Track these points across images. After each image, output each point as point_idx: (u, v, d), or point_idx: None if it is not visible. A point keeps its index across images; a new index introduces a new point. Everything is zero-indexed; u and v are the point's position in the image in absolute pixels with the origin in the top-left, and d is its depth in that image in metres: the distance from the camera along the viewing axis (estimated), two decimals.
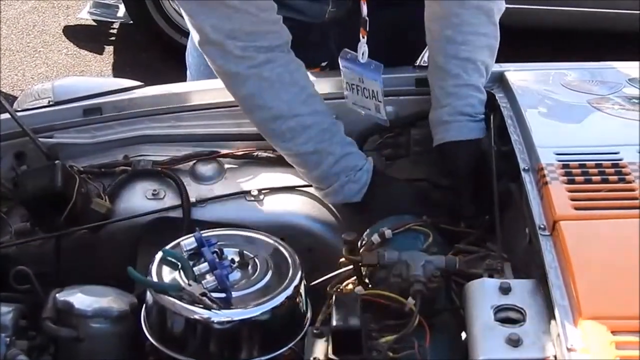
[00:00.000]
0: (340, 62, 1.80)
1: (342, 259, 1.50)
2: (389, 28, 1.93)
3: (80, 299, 1.49)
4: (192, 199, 1.76)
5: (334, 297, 1.37)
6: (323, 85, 1.85)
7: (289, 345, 1.41)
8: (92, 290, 1.52)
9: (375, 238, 1.56)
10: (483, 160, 1.69)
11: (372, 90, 1.75)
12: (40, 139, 1.80)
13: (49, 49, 4.78)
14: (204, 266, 1.42)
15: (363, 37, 1.75)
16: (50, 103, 1.92)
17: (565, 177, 1.45)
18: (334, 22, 1.96)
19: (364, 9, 1.74)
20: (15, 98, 2.18)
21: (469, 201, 1.72)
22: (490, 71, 1.80)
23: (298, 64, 1.73)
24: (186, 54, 2.17)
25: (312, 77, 1.83)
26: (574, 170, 1.46)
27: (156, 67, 4.47)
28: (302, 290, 1.45)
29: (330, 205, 1.80)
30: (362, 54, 1.75)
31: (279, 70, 1.68)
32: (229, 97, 1.84)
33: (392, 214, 1.62)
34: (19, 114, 1.83)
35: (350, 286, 1.51)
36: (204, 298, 1.36)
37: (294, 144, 1.71)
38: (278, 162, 1.84)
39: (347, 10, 1.91)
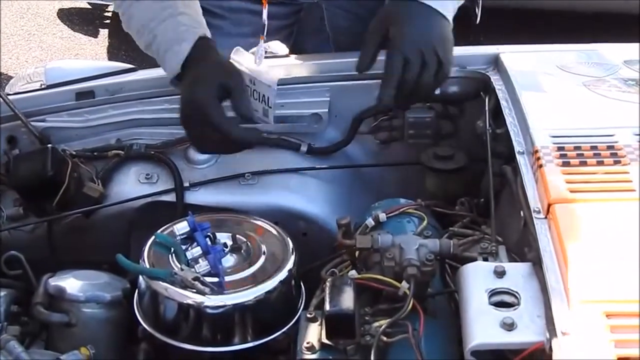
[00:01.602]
0: (232, 58, 1.75)
1: (337, 243, 1.49)
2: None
3: (73, 284, 1.49)
4: (186, 183, 1.75)
5: (327, 282, 1.37)
6: (314, 67, 1.85)
7: (283, 330, 1.41)
8: (85, 275, 1.52)
9: (370, 221, 1.56)
10: (480, 143, 1.69)
11: (263, 94, 1.72)
12: (32, 123, 1.80)
13: (43, 32, 4.77)
14: (196, 251, 1.41)
15: (262, 40, 1.73)
16: (43, 86, 1.91)
17: (560, 160, 1.44)
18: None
19: (264, 14, 1.73)
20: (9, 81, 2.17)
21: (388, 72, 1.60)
22: None
23: None
24: None
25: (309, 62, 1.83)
26: (569, 153, 1.45)
27: None
28: (295, 274, 1.44)
29: (325, 189, 1.79)
30: (259, 56, 1.73)
31: None
32: None
33: (200, 86, 1.58)
34: (10, 97, 1.82)
35: (344, 270, 1.50)
36: (196, 282, 1.35)
37: (141, 42, 1.71)
38: (273, 146, 1.83)
39: None
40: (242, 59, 1.72)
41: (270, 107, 1.71)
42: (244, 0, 2.03)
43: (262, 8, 1.71)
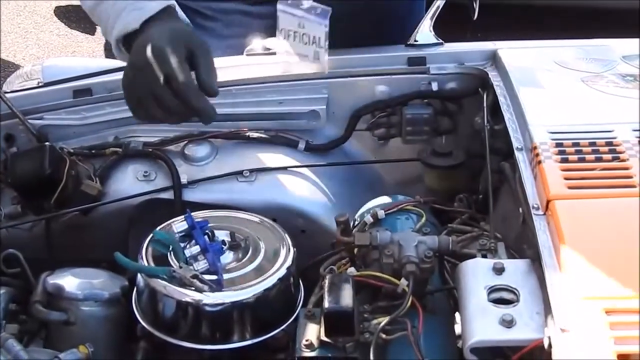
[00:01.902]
0: (279, 8, 1.69)
1: (335, 240, 1.49)
2: (379, 7, 1.91)
3: (71, 282, 1.48)
4: (184, 180, 1.74)
5: (326, 279, 1.36)
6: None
7: (281, 328, 1.41)
8: (83, 273, 1.51)
9: (368, 219, 1.55)
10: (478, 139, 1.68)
11: (314, 36, 1.66)
12: (29, 121, 1.79)
13: (40, 29, 4.76)
14: (195, 248, 1.41)
15: None
16: (40, 84, 1.90)
17: (559, 156, 1.44)
18: None
19: None
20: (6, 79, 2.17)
21: None
22: None
23: None
24: None
25: None
26: (567, 149, 1.45)
27: None
28: (294, 271, 1.44)
29: (323, 186, 1.79)
30: None
31: None
32: (220, 77, 1.82)
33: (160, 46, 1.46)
34: (8, 95, 1.82)
35: (342, 267, 1.50)
36: (195, 280, 1.35)
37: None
38: (270, 143, 1.83)
39: None
40: (288, 7, 1.68)
41: (322, 48, 1.67)
42: (235, 1, 2.02)
43: (255, 7, 1.69)
